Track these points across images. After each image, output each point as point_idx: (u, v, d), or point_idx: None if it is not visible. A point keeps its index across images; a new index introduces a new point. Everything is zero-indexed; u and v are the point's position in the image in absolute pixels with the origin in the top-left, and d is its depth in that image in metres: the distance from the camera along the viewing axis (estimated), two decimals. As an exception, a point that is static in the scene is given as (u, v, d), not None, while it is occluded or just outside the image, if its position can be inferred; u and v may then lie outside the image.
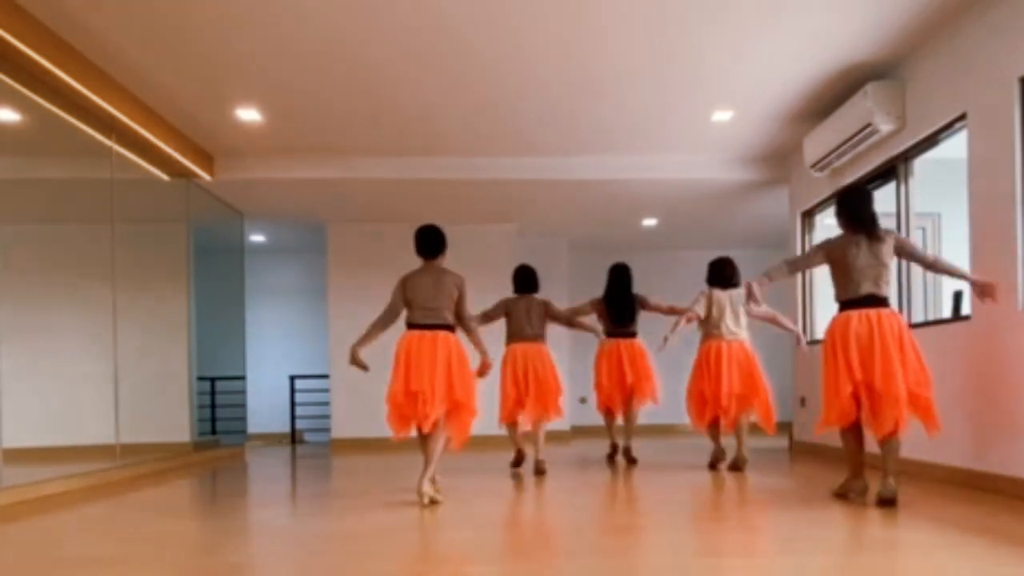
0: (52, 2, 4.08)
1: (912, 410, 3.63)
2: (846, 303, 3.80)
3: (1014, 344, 3.91)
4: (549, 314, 5.64)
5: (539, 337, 5.58)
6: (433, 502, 4.05)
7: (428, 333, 4.19)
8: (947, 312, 5.08)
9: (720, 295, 5.43)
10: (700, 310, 5.38)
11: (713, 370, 5.29)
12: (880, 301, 3.73)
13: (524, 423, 5.63)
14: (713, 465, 5.52)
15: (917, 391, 3.59)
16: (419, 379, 4.08)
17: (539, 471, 5.30)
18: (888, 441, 3.64)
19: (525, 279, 5.70)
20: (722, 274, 5.53)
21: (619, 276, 6.08)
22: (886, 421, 3.59)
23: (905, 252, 3.86)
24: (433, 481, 4.17)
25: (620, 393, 5.99)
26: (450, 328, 4.28)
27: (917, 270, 5.22)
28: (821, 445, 6.26)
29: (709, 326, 5.42)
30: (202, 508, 4.65)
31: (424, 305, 4.22)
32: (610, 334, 6.05)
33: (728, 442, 5.60)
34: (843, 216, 3.88)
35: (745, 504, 4.15)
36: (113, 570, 2.69)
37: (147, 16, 4.27)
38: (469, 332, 4.41)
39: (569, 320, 5.79)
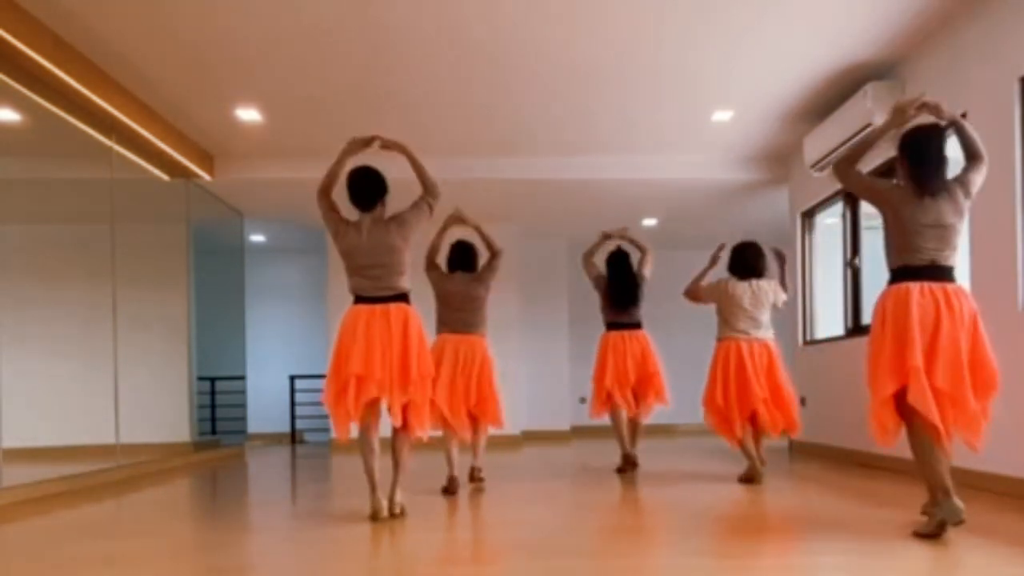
0: (52, 2, 4.08)
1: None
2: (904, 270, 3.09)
3: (1014, 344, 3.91)
4: (489, 271, 4.69)
5: (477, 326, 4.63)
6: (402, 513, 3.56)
7: (378, 307, 3.50)
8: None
9: (739, 286, 4.71)
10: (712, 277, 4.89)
11: (733, 376, 4.57)
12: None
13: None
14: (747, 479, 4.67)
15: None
16: (369, 362, 3.47)
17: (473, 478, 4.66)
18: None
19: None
20: (743, 262, 4.83)
21: (618, 260, 5.62)
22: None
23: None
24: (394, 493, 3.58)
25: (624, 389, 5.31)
26: (403, 298, 3.52)
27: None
28: (822, 445, 6.26)
29: (724, 325, 4.73)
30: (202, 508, 4.65)
31: (364, 270, 3.50)
32: (610, 325, 5.47)
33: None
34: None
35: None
36: (113, 570, 2.69)
37: (147, 16, 4.27)
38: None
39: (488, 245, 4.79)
